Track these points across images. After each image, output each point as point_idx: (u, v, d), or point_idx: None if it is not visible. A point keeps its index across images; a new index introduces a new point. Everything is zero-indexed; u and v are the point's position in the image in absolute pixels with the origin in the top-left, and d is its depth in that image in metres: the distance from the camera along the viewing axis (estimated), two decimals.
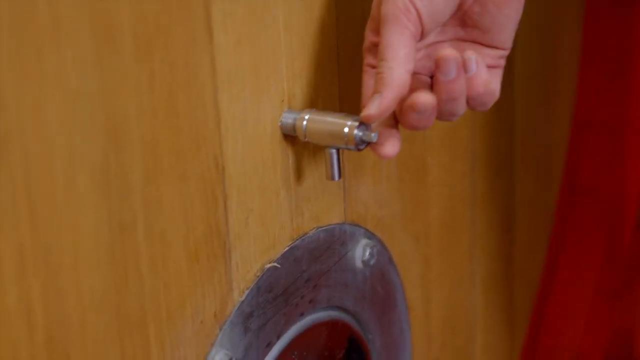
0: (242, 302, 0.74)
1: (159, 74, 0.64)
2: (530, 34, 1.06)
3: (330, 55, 0.78)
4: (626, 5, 1.12)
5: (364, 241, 0.86)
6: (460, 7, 0.72)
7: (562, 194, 1.21)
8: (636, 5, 1.12)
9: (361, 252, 0.86)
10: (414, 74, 0.71)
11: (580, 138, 1.19)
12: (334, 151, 0.74)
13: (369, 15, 0.73)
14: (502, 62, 0.74)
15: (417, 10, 0.68)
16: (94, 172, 0.61)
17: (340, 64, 0.79)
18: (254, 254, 0.75)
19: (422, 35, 0.70)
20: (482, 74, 0.70)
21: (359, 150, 0.73)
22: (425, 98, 0.68)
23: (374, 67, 0.73)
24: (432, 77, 0.72)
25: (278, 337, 0.78)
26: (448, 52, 0.68)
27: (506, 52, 0.74)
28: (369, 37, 0.73)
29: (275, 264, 0.76)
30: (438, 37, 0.73)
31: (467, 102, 0.71)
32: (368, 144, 0.73)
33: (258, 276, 0.75)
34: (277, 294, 0.77)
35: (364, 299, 0.88)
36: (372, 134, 0.72)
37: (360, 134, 0.72)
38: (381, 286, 0.90)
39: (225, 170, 0.70)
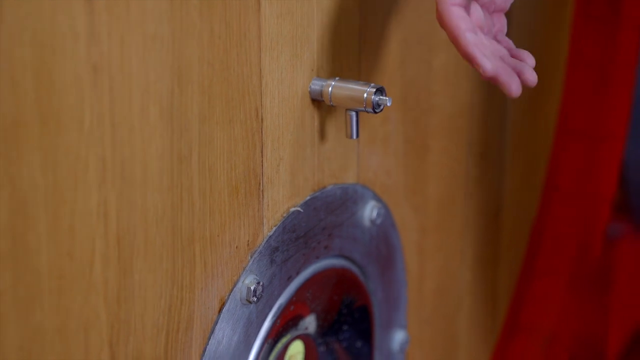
0: (271, 236, 0.86)
1: (217, 31, 0.77)
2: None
3: (353, 33, 0.91)
4: (611, 22, 1.23)
5: (372, 202, 0.99)
6: None
7: (544, 192, 1.31)
8: (620, 22, 1.22)
9: (370, 211, 0.98)
10: None
11: (562, 144, 1.28)
12: (353, 113, 0.88)
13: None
14: None
15: None
16: (162, 106, 0.74)
17: (361, 42, 0.92)
18: (282, 197, 0.88)
19: None
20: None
21: (375, 112, 0.86)
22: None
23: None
24: None
25: (297, 274, 0.91)
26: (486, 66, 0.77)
27: None
28: None
29: (299, 209, 0.89)
30: None
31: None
32: (383, 107, 0.86)
33: (284, 217, 0.88)
34: (298, 235, 0.90)
35: (369, 254, 1.00)
36: (387, 99, 0.86)
37: (377, 98, 0.86)
38: (384, 246, 1.02)
39: (264, 121, 0.83)
